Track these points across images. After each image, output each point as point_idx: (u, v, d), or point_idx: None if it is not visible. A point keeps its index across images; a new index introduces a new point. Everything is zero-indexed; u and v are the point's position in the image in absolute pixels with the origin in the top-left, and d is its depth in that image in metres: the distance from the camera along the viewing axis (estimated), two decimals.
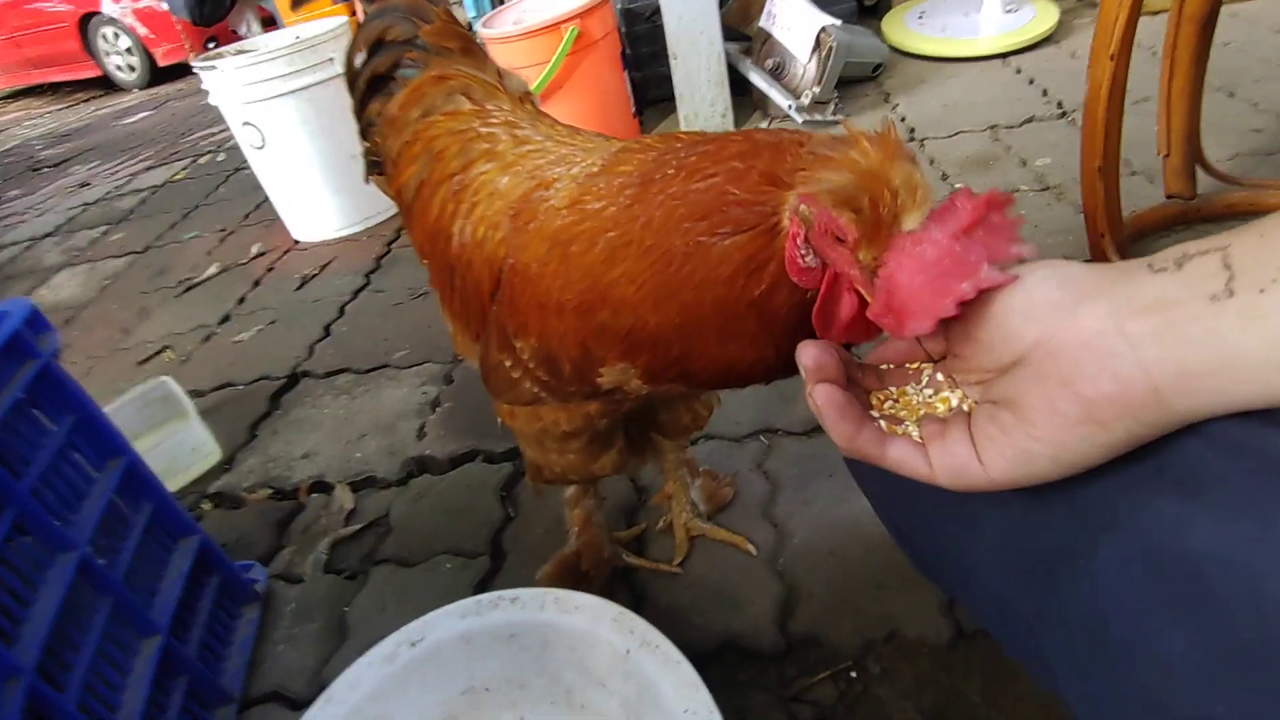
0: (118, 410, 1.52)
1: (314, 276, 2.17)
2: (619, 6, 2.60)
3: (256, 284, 2.21)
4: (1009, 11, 2.55)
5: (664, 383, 0.65)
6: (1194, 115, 1.39)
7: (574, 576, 1.02)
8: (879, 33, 2.68)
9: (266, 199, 2.48)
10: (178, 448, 1.45)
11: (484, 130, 0.79)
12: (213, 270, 2.36)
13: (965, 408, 0.46)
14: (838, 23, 2.21)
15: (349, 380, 1.65)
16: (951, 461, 0.43)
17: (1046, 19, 2.51)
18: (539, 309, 0.66)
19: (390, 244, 2.26)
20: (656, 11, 2.27)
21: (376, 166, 0.92)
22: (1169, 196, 1.46)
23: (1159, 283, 0.36)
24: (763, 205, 0.51)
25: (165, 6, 5.15)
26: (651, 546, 1.11)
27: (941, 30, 2.62)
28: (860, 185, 0.44)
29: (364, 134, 0.92)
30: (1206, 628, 0.34)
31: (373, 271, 2.12)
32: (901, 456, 0.45)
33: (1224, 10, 1.31)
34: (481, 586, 1.10)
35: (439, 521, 1.23)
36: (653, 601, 1.03)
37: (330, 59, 2.12)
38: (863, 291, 0.48)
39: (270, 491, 1.37)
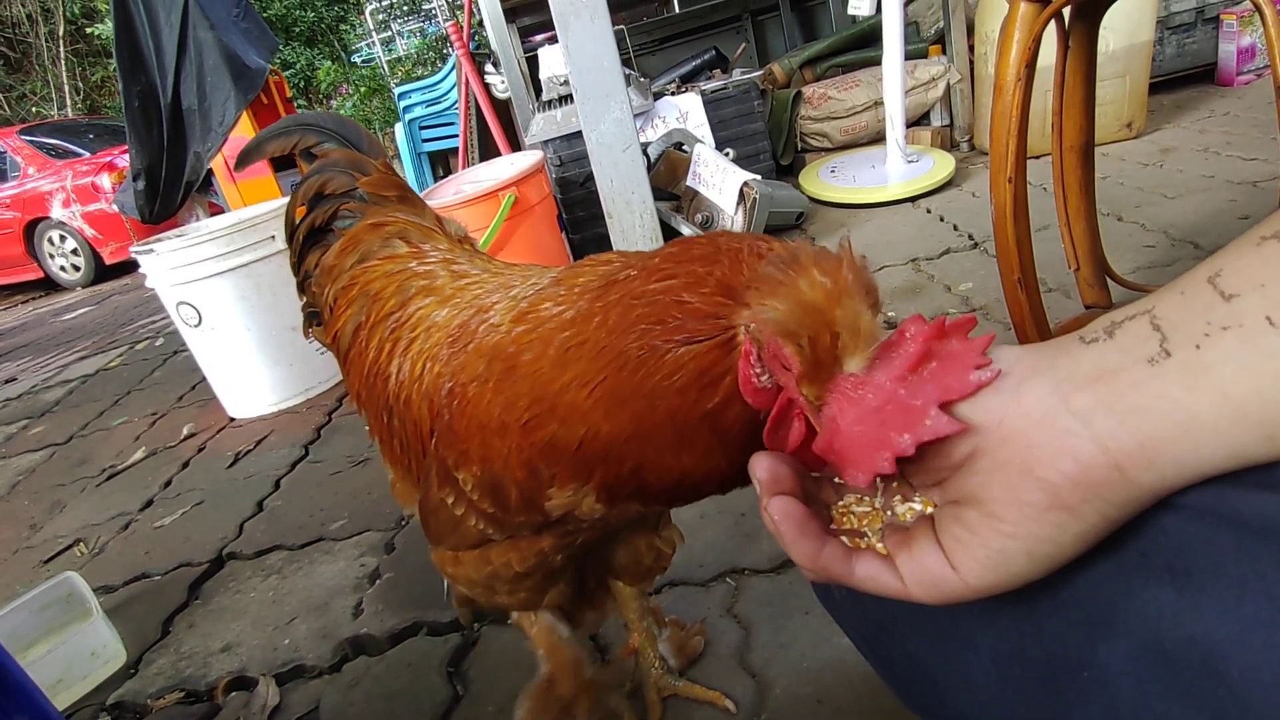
0: (9, 615, 1.35)
1: (248, 452, 2.07)
2: (554, 176, 2.77)
3: (185, 465, 2.09)
4: (910, 162, 2.81)
5: (620, 501, 0.60)
6: (1093, 232, 1.49)
7: (557, 708, 0.85)
8: (797, 186, 2.90)
9: (203, 379, 2.42)
10: (75, 653, 1.27)
11: (421, 269, 0.78)
12: (139, 455, 2.23)
13: (928, 511, 0.42)
14: (758, 178, 2.38)
15: (280, 559, 1.51)
16: (923, 573, 0.39)
17: (945, 166, 2.76)
18: (479, 431, 0.62)
19: (331, 413, 2.19)
20: (589, 178, 2.41)
21: (315, 318, 0.90)
22: (1088, 307, 1.53)
23: (1095, 353, 0.35)
24: (718, 318, 0.49)
25: (115, 208, 5.31)
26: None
27: (853, 181, 2.85)
28: (800, 321, 0.41)
29: (301, 287, 0.90)
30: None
31: (312, 442, 2.03)
32: (870, 573, 0.41)
33: (1096, 150, 1.46)
34: None
35: (376, 710, 1.08)
36: None
37: (272, 236, 2.16)
38: (812, 418, 0.45)
39: (181, 694, 1.20)
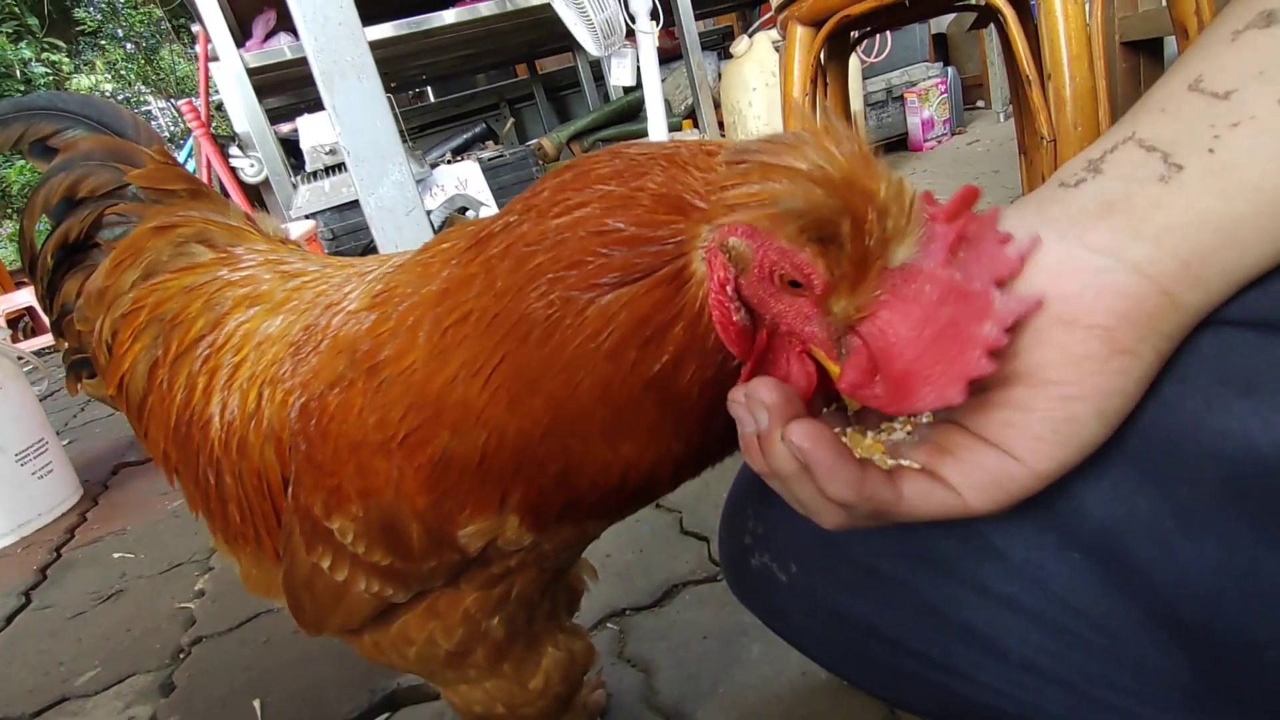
0: None
1: None
2: (326, 250, 2.55)
3: None
4: None
5: (551, 522, 0.47)
6: None
7: None
8: None
9: None
10: None
11: (235, 276, 0.62)
12: None
13: (926, 420, 0.38)
14: None
15: None
16: (979, 473, 0.33)
17: None
18: (353, 452, 0.47)
19: (60, 548, 1.72)
20: (369, 249, 2.25)
21: (84, 366, 0.68)
22: None
23: (1091, 190, 0.33)
24: (662, 242, 0.37)
25: None
26: None
27: None
28: (836, 203, 0.31)
29: (60, 329, 0.68)
30: None
31: (36, 586, 1.57)
32: (919, 491, 0.34)
33: None
34: None
35: None
36: None
37: None
38: (821, 358, 0.37)
39: None
